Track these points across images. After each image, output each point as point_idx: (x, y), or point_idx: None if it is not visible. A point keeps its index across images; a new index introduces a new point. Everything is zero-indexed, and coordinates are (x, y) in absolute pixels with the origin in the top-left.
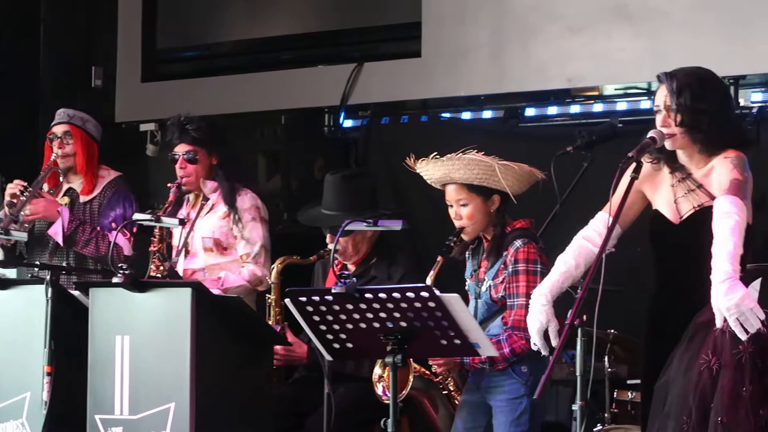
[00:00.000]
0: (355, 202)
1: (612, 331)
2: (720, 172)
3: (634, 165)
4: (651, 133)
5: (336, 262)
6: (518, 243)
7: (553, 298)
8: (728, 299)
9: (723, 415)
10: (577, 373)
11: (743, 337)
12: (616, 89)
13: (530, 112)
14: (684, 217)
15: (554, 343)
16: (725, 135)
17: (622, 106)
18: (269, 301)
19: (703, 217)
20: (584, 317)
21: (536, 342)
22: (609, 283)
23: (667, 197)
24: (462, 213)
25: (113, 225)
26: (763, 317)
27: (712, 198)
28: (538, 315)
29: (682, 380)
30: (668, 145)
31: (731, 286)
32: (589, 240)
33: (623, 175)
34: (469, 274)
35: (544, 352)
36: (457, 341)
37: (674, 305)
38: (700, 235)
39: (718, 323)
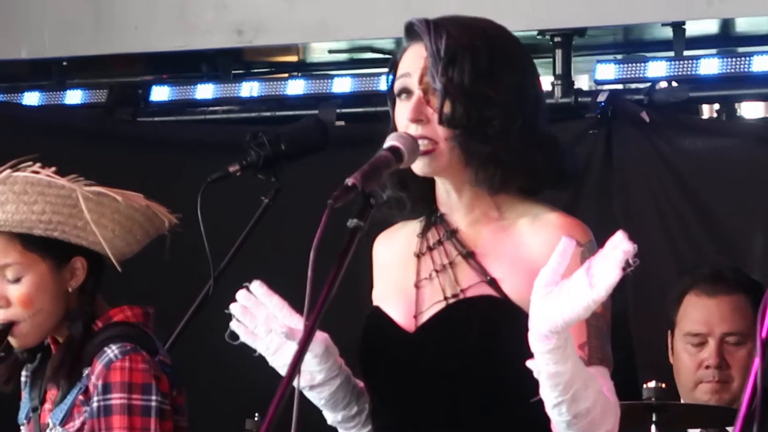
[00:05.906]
0: None
1: None
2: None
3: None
4: (392, 141)
5: None
6: (112, 352)
7: None
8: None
9: None
10: None
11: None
12: (330, 52)
13: (159, 94)
14: (425, 321)
15: None
16: (532, 156)
17: (343, 85)
18: None
19: (456, 318)
20: None
21: None
22: None
23: (401, 279)
24: (10, 294)
25: None
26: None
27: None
28: None
29: None
30: (421, 166)
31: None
32: None
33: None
34: (24, 417)
35: None
36: None
37: None
38: (446, 355)
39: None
